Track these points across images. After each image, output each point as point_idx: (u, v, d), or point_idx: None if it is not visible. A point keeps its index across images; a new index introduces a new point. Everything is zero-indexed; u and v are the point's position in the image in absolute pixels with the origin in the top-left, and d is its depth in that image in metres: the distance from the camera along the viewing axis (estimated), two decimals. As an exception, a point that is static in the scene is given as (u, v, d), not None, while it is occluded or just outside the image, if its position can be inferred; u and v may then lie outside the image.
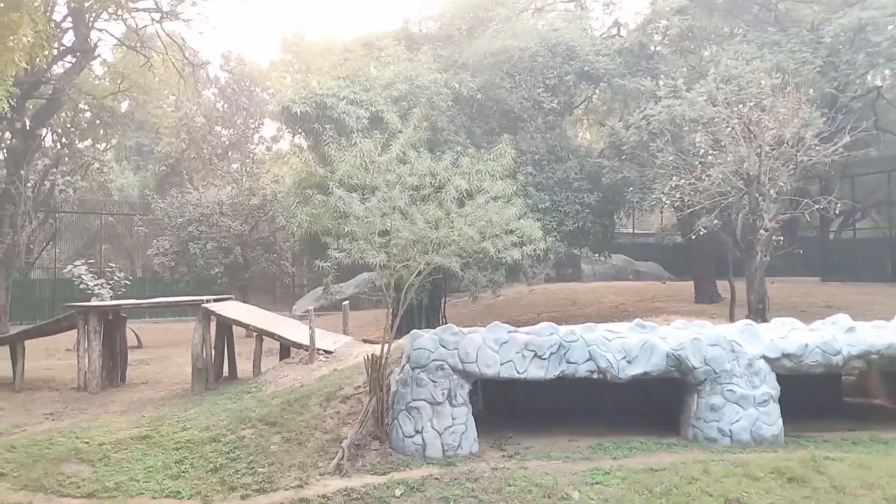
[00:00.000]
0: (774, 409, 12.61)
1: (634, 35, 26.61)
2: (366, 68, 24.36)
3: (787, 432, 12.55)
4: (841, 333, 13.16)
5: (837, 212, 22.98)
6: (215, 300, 18.06)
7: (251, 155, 36.60)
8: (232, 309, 18.03)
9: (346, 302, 22.01)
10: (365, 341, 18.26)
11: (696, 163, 18.45)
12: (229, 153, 36.15)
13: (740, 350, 12.79)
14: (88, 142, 37.08)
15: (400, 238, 12.44)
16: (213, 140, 36.10)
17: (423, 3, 60.43)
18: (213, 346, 17.02)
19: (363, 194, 12.91)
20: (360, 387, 13.33)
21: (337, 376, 14.71)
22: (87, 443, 13.00)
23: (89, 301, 21.11)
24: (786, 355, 12.88)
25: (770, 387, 12.67)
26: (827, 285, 27.80)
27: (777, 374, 12.79)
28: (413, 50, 25.67)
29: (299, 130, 23.27)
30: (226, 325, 17.54)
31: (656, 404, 13.74)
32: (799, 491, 10.94)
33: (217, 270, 27.94)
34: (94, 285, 25.26)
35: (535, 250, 13.40)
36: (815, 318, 14.07)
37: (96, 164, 36.44)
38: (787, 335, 13.22)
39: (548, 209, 21.73)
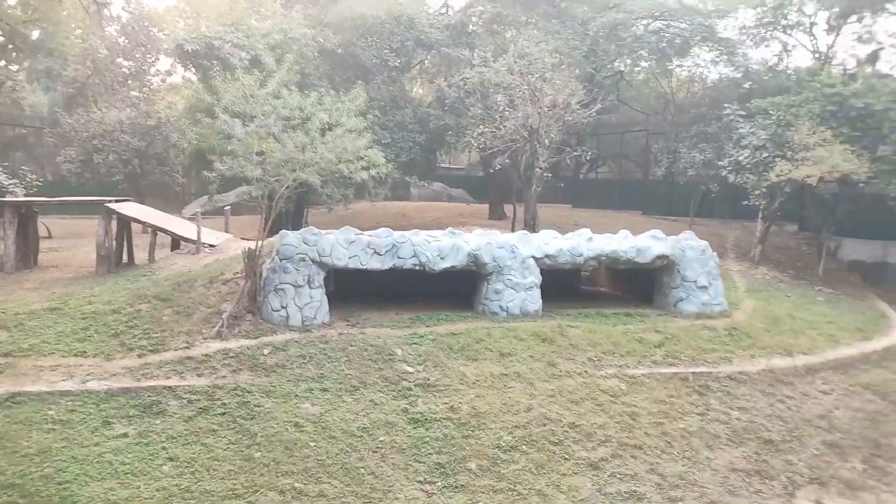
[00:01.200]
0: (537, 292, 13.39)
1: (458, 15, 26.16)
2: (248, 19, 22.37)
3: (544, 308, 13.37)
4: (584, 242, 14.04)
5: (587, 159, 24.23)
6: (116, 201, 16.43)
7: (148, 84, 32.91)
8: (130, 208, 16.49)
9: (228, 207, 20.76)
10: (243, 239, 17.36)
11: (497, 116, 18.72)
12: (129, 81, 32.27)
13: (517, 252, 13.35)
14: (2, 63, 31.92)
15: (273, 157, 11.82)
16: (115, 69, 32.01)
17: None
18: (114, 237, 15.56)
19: (244, 121, 12.09)
20: (238, 273, 12.75)
21: (219, 265, 13.97)
22: (4, 312, 11.69)
23: (4, 198, 18.54)
24: (547, 256, 13.59)
25: (535, 277, 13.39)
26: (577, 210, 29.41)
27: (540, 269, 13.51)
28: (288, 8, 23.82)
29: (190, 65, 21.28)
30: (125, 222, 16.06)
31: (458, 288, 14.14)
32: (549, 347, 11.82)
33: (118, 178, 25.52)
34: (9, 184, 22.18)
35: (378, 174, 13.22)
36: (568, 232, 14.88)
37: (10, 83, 31.57)
38: (549, 242, 13.93)
39: (388, 144, 21.30)
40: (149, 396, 9.64)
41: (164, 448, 8.85)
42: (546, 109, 18.11)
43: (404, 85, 26.52)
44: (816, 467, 10.13)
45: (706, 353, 12.26)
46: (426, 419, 9.84)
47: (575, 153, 20.72)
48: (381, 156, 13.14)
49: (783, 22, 26.58)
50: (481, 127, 19.23)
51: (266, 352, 10.84)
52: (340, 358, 10.88)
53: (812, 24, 26.43)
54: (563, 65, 18.93)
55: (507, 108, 18.47)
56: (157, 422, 9.26)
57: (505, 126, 18.38)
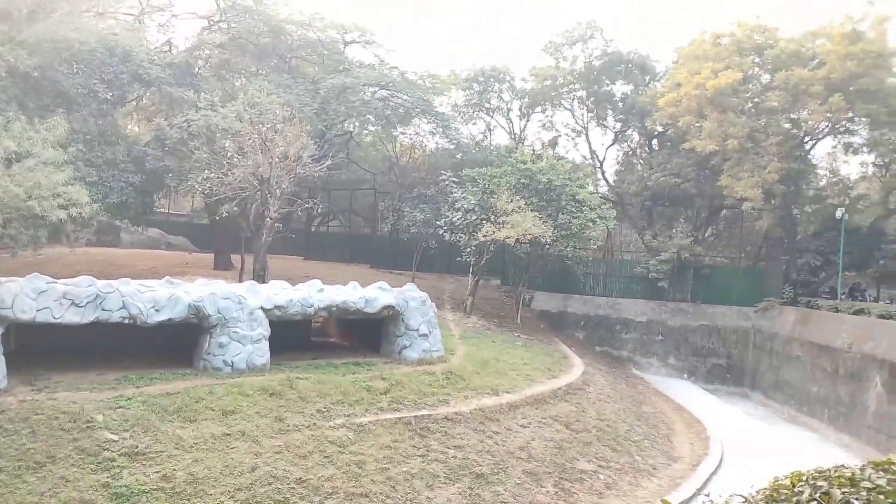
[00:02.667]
0: (265, 345, 12.93)
1: (183, 55, 24.79)
2: None
3: (273, 361, 12.94)
4: (315, 292, 14.07)
5: (319, 212, 24.57)
6: None
7: None
8: None
9: None
10: None
11: (225, 162, 17.99)
12: None
13: (245, 303, 12.81)
14: None
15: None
16: None
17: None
18: None
19: None
20: None
21: None
22: None
23: None
24: (277, 307, 13.29)
25: (264, 329, 12.95)
26: (308, 262, 29.30)
27: (270, 320, 13.12)
28: (-34, 19, 19.95)
29: None
30: None
31: (177, 344, 12.97)
32: (277, 401, 11.43)
33: None
34: None
35: (80, 214, 11.61)
36: (298, 283, 14.79)
37: None
38: (279, 293, 13.66)
39: (95, 183, 18.87)
40: None
41: None
42: (277, 160, 17.97)
43: (117, 120, 23.99)
44: (519, 495, 11.36)
45: (427, 397, 13.06)
46: (132, 492, 8.63)
47: (307, 206, 20.84)
48: (84, 194, 11.65)
49: (487, 105, 31.06)
50: (207, 172, 18.25)
51: None
52: (21, 430, 9.03)
53: (509, 109, 31.37)
54: (295, 118, 19.13)
55: (235, 155, 17.87)
56: None
57: (233, 173, 17.72)
